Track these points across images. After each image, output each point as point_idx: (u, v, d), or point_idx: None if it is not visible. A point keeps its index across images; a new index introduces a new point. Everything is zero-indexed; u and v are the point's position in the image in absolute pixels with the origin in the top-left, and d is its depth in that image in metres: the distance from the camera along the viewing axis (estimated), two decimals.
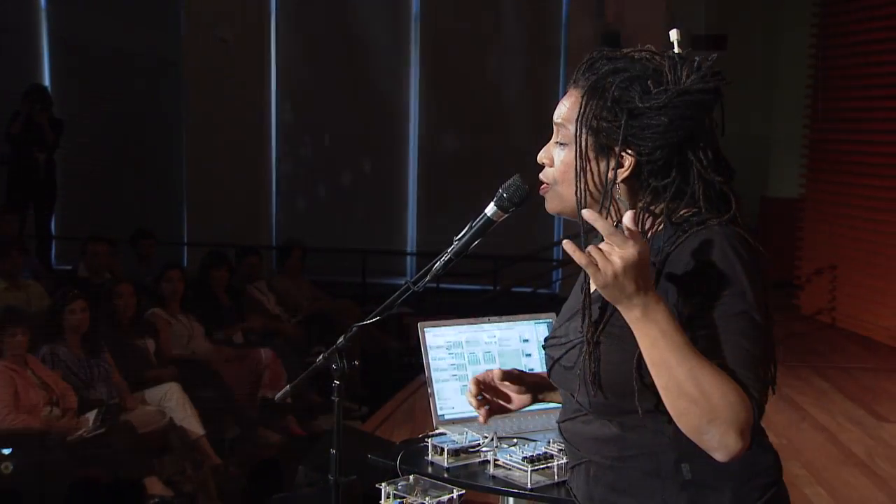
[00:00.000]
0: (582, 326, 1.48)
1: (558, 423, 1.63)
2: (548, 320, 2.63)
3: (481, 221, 1.68)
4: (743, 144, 8.59)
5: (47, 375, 4.48)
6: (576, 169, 1.49)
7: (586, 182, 1.49)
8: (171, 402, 4.85)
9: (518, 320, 2.62)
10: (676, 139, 1.45)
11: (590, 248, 1.34)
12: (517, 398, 1.77)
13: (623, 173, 1.47)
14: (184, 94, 8.99)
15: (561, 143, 1.53)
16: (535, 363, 2.59)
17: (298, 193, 9.21)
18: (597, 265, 1.32)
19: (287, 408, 5.56)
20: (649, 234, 1.49)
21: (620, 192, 1.49)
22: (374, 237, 8.98)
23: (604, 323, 1.46)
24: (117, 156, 9.22)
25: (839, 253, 7.85)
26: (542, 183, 1.56)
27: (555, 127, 1.54)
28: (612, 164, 1.47)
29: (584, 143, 1.48)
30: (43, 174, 7.79)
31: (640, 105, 1.44)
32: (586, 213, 1.36)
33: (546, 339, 1.64)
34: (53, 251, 8.60)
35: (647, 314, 1.33)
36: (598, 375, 1.45)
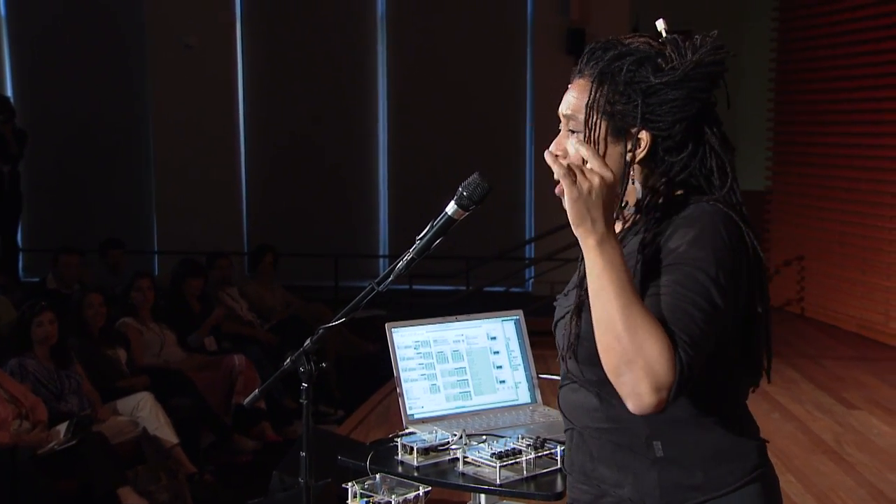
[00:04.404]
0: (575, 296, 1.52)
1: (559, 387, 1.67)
2: (515, 317, 2.65)
3: (442, 220, 1.68)
4: None
5: (16, 388, 4.43)
6: None
7: None
8: (143, 411, 4.81)
9: (485, 318, 2.63)
10: (693, 112, 1.48)
11: (569, 160, 1.40)
12: None
13: (641, 153, 1.49)
14: (150, 101, 8.93)
15: (573, 132, 1.53)
16: (503, 360, 2.61)
17: (269, 199, 9.16)
18: (574, 177, 1.37)
19: (262, 414, 5.54)
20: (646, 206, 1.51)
21: (636, 172, 1.51)
22: (347, 241, 8.97)
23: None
24: (83, 166, 9.13)
25: (806, 244, 7.94)
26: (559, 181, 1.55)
27: (563, 119, 1.55)
28: (629, 146, 1.49)
29: (597, 129, 1.49)
30: (7, 186, 7.71)
31: (656, 82, 1.46)
32: (547, 156, 1.43)
33: (557, 298, 1.68)
34: (21, 263, 8.50)
35: (602, 244, 1.38)
36: (577, 344, 1.48)
